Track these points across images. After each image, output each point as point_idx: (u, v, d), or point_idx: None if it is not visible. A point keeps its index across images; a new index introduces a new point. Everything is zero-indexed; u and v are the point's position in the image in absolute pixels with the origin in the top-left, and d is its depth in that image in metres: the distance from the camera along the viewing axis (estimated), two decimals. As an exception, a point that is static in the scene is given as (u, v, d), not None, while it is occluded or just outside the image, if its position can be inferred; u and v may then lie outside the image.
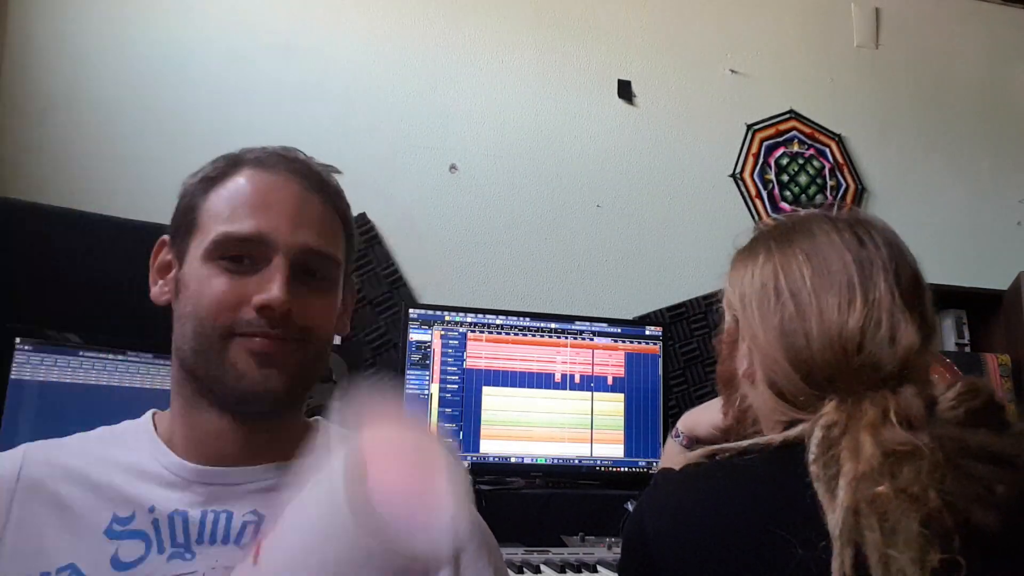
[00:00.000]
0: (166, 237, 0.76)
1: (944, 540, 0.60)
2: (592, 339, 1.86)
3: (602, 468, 1.81)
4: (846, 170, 2.38)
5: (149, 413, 0.77)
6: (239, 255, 0.68)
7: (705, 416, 1.13)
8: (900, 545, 0.60)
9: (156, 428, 0.74)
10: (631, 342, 1.88)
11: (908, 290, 0.74)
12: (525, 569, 1.36)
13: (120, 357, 1.37)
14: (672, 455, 1.15)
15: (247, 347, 0.67)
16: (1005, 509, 0.62)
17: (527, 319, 1.84)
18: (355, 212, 2.22)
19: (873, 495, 0.62)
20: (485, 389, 1.78)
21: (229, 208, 0.70)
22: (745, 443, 0.76)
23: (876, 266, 0.74)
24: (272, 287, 0.66)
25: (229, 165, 0.73)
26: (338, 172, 0.78)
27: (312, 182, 0.74)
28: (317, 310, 0.71)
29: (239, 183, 0.71)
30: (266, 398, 0.68)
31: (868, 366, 0.71)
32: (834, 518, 0.63)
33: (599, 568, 1.38)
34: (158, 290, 0.75)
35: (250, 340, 0.67)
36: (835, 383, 0.72)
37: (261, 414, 0.71)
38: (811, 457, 0.67)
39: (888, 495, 0.61)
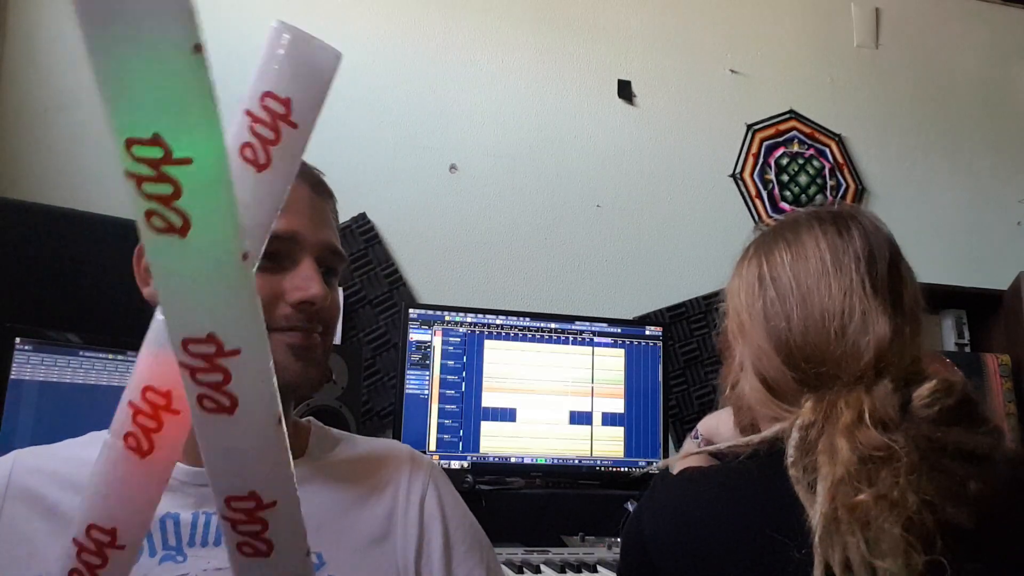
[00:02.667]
0: None
1: (927, 542, 0.61)
2: (592, 339, 1.86)
3: (602, 468, 1.81)
4: (846, 170, 2.38)
5: None
6: (268, 253, 0.69)
7: (725, 424, 1.14)
8: (884, 551, 0.60)
9: None
10: (631, 342, 1.88)
11: (881, 281, 0.75)
12: (525, 569, 1.36)
13: (120, 357, 1.37)
14: (687, 450, 1.16)
15: (285, 341, 0.68)
16: (978, 505, 0.63)
17: (527, 319, 1.84)
18: (355, 212, 2.21)
19: (853, 503, 0.62)
20: (485, 389, 1.78)
21: None
22: (724, 445, 0.78)
23: (848, 255, 0.76)
24: (312, 284, 0.69)
25: None
26: (322, 174, 0.79)
27: (315, 184, 0.75)
28: (334, 305, 0.75)
29: None
30: (305, 388, 0.71)
31: (848, 355, 0.71)
32: (814, 523, 0.63)
33: (599, 568, 1.38)
34: (152, 291, 0.74)
35: (287, 334, 0.68)
36: (817, 370, 0.72)
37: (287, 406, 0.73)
38: (789, 460, 0.68)
39: (868, 503, 0.62)
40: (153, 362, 0.44)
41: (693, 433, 1.17)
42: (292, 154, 0.48)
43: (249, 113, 0.46)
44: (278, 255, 0.69)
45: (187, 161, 0.33)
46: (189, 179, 0.34)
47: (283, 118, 0.46)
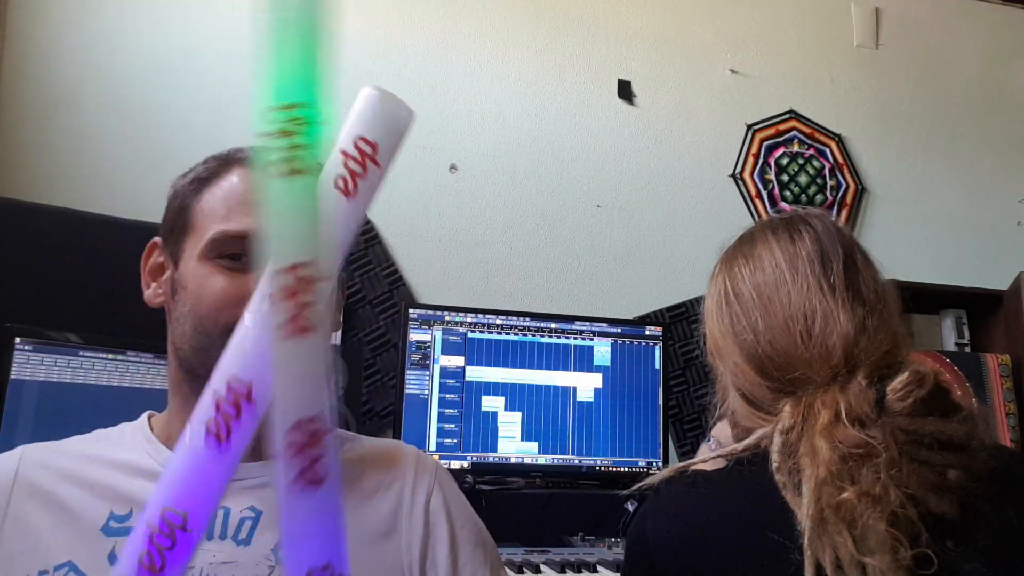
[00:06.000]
0: (157, 239, 0.76)
1: (912, 535, 0.61)
2: (592, 339, 1.86)
3: (602, 468, 1.81)
4: (846, 170, 2.38)
5: (144, 415, 0.77)
6: (237, 253, 0.69)
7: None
8: (872, 548, 0.61)
9: (152, 429, 0.75)
10: (631, 342, 1.88)
11: (838, 279, 0.76)
12: (525, 569, 1.36)
13: (120, 357, 1.36)
14: (702, 455, 1.17)
15: None
16: (959, 493, 0.64)
17: (527, 319, 1.84)
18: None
19: (838, 502, 0.63)
20: (485, 389, 1.78)
21: (224, 207, 0.70)
22: (711, 455, 0.79)
23: (801, 259, 0.77)
24: None
25: (220, 165, 0.74)
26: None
27: None
28: None
29: (232, 182, 0.72)
30: None
31: (818, 356, 0.72)
32: (803, 525, 0.64)
33: (599, 568, 1.38)
34: (152, 293, 0.75)
35: None
36: (790, 376, 0.73)
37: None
38: (774, 466, 0.69)
39: (852, 501, 0.63)
40: (239, 354, 0.49)
41: (708, 439, 1.18)
42: (372, 187, 0.57)
43: (344, 152, 0.55)
44: (246, 255, 0.68)
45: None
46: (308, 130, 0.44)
47: (371, 158, 0.56)
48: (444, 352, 1.77)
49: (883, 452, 0.64)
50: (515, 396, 1.79)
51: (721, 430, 1.15)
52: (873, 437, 0.65)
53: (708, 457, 0.82)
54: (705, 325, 0.85)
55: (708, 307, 0.84)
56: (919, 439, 0.66)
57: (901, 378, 0.69)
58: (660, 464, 1.83)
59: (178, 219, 0.73)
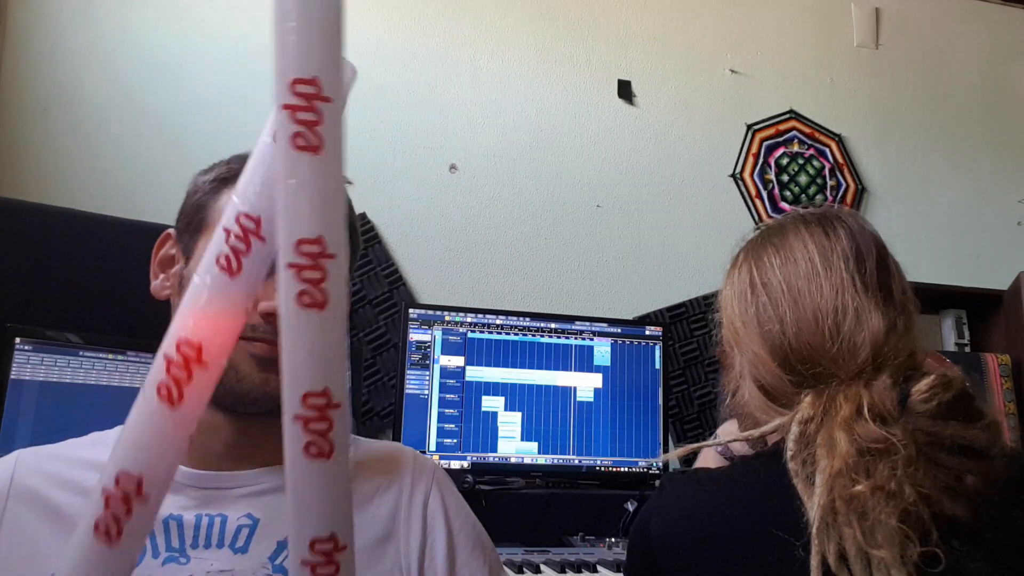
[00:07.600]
0: (171, 231, 0.76)
1: (922, 533, 0.61)
2: (592, 339, 1.86)
3: (602, 468, 1.81)
4: (846, 170, 2.38)
5: None
6: None
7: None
8: (880, 542, 0.61)
9: None
10: (631, 342, 1.88)
11: (871, 277, 0.76)
12: (525, 569, 1.36)
13: (120, 357, 1.36)
14: (708, 459, 1.17)
15: (249, 350, 0.67)
16: (974, 499, 0.64)
17: (527, 319, 1.84)
18: (355, 212, 2.20)
19: (851, 494, 0.63)
20: (485, 389, 1.78)
21: None
22: (727, 439, 0.78)
23: (836, 254, 0.76)
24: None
25: (243, 166, 0.74)
26: (349, 183, 0.78)
27: None
28: None
29: None
30: (266, 400, 0.68)
31: (845, 352, 0.72)
32: (812, 515, 0.64)
33: (599, 568, 1.38)
34: (159, 284, 0.75)
35: (252, 344, 0.67)
36: (815, 371, 0.73)
37: (259, 415, 0.70)
38: (788, 454, 0.69)
39: (865, 494, 0.63)
40: (189, 316, 0.47)
41: (714, 435, 1.19)
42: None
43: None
44: None
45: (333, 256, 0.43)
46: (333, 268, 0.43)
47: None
48: (444, 352, 1.77)
49: (902, 450, 0.64)
50: (515, 396, 1.79)
51: (728, 429, 1.15)
52: (893, 435, 0.65)
53: (727, 440, 0.81)
54: (723, 314, 0.84)
55: (727, 296, 0.83)
56: (939, 442, 0.66)
57: (927, 380, 0.69)
58: (660, 465, 1.83)
59: (194, 216, 0.72)
